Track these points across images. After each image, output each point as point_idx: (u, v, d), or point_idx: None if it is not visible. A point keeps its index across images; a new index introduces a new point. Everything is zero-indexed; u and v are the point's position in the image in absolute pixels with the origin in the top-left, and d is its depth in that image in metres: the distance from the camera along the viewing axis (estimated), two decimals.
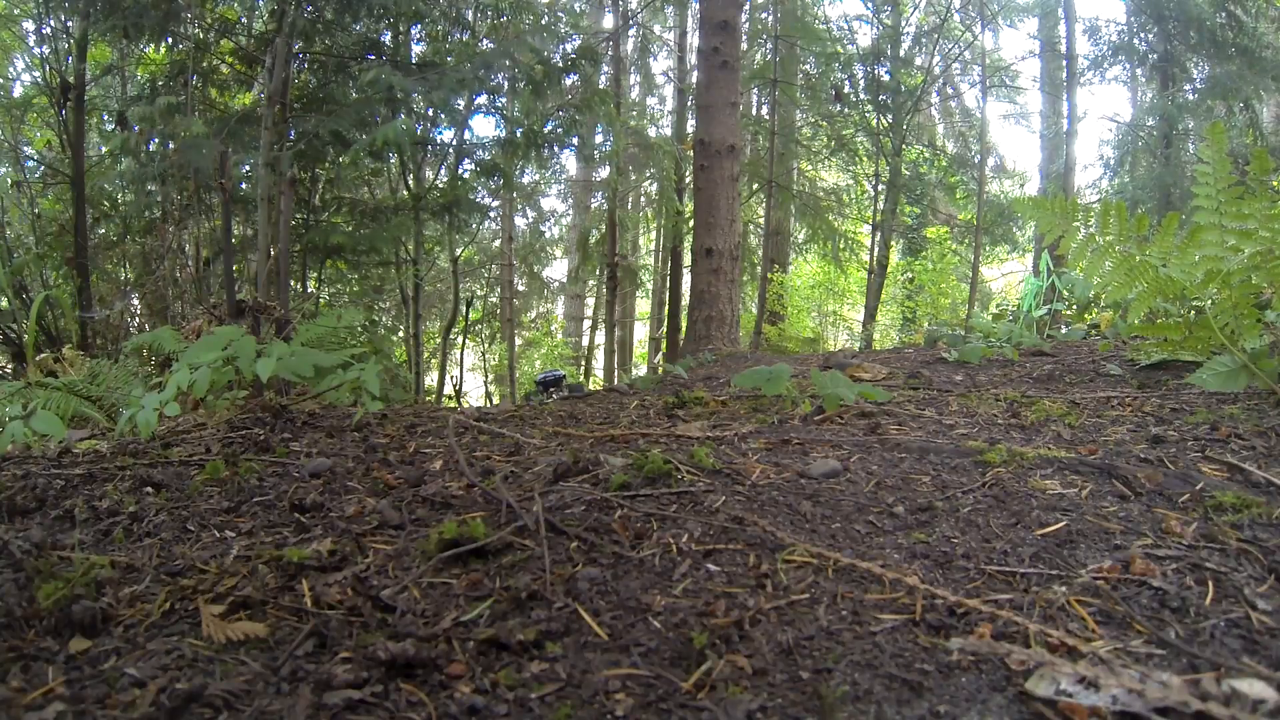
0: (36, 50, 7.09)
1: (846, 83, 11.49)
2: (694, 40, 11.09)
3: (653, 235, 16.06)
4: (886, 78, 11.16)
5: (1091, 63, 11.65)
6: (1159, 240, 2.25)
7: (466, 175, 7.76)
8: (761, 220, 13.95)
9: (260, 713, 0.82)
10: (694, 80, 9.42)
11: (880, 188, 11.53)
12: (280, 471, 1.77)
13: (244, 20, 6.68)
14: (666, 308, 12.31)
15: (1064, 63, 12.56)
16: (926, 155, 13.40)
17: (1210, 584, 1.06)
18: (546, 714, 0.82)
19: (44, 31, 6.76)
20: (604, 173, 13.74)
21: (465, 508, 1.46)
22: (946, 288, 13.43)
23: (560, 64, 6.98)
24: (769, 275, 12.17)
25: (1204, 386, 2.24)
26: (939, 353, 4.72)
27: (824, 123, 12.89)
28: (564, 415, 2.79)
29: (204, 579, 1.14)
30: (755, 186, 12.41)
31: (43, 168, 7.65)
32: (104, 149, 7.57)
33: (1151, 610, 1.00)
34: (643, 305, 18.52)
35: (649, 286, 16.18)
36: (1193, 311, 2.39)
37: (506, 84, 6.91)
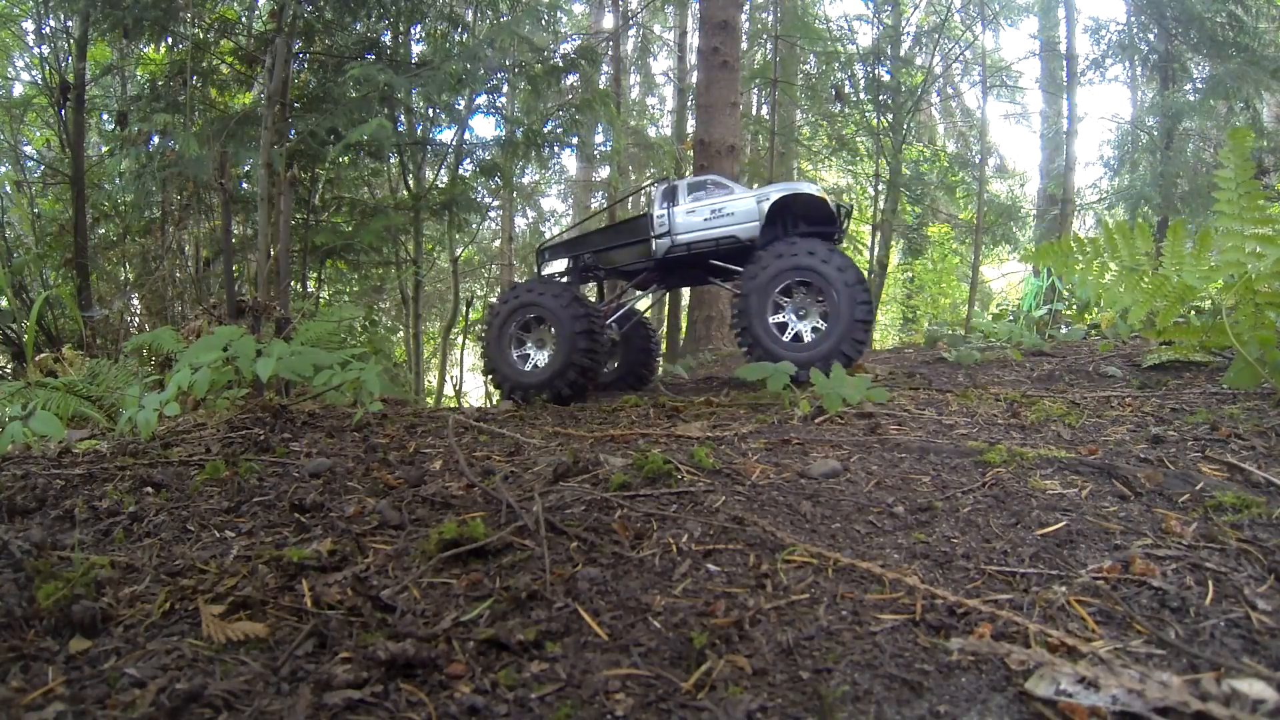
0: (36, 50, 7.10)
1: (846, 82, 11.47)
2: (694, 40, 11.09)
3: None
4: (887, 77, 11.13)
5: (1092, 62, 11.63)
6: (1169, 250, 2.29)
7: (466, 175, 7.75)
8: None
9: (260, 713, 0.82)
10: (694, 80, 9.42)
11: (881, 187, 11.52)
12: (280, 471, 1.77)
13: (244, 20, 6.68)
14: (666, 308, 12.29)
15: (1064, 62, 12.54)
16: (927, 155, 13.38)
17: (1210, 584, 1.06)
18: (546, 714, 0.82)
19: (44, 31, 6.77)
20: (604, 173, 13.74)
21: (465, 508, 1.46)
22: (947, 287, 13.42)
23: (559, 63, 6.97)
24: None
25: (1230, 385, 2.37)
26: (939, 352, 4.72)
27: (824, 122, 12.88)
28: (564, 415, 2.79)
29: (204, 579, 1.14)
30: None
31: (43, 168, 7.66)
32: (104, 149, 7.57)
33: (1151, 610, 1.00)
34: (642, 305, 18.49)
35: None
36: (1213, 315, 2.46)
37: (505, 83, 6.90)
